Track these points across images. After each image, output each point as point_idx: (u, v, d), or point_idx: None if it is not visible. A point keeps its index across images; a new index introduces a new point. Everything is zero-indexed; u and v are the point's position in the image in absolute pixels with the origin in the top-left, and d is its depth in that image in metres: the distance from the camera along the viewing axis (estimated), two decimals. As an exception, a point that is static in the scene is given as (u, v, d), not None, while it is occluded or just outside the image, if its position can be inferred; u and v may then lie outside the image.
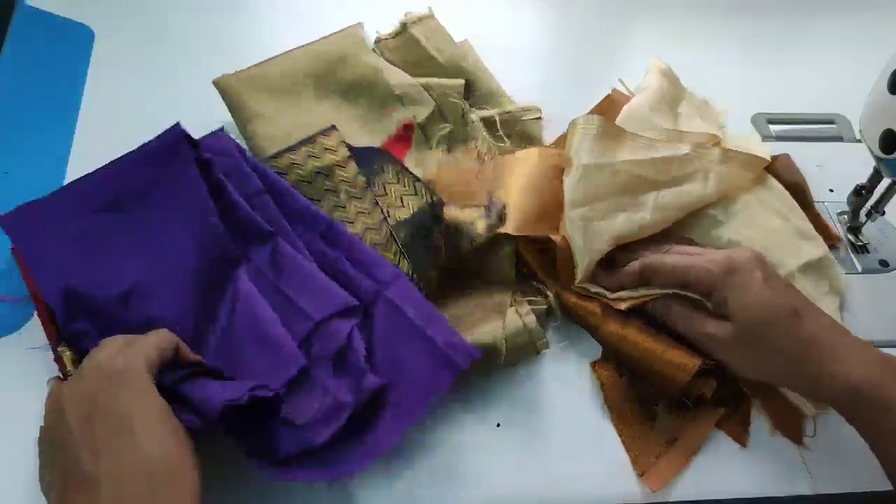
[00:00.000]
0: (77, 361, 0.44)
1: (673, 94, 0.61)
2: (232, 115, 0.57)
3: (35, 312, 0.47)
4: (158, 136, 0.49)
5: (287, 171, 0.52)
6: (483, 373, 0.48)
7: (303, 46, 0.61)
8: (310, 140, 0.53)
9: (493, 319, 0.48)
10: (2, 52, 0.63)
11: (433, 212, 0.47)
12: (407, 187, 0.51)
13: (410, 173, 0.52)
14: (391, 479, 0.44)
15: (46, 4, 0.66)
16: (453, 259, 0.50)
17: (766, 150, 0.57)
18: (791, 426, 0.48)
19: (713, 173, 0.53)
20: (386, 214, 0.50)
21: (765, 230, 0.53)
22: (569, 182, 0.51)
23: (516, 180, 0.52)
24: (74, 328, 0.44)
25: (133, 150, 0.49)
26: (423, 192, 0.50)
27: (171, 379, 0.38)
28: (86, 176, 0.48)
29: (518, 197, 0.51)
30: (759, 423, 0.48)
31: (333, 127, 0.54)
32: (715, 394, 0.47)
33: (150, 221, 0.48)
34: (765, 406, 0.49)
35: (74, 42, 0.65)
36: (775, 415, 0.48)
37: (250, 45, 0.61)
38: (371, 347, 0.45)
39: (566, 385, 0.49)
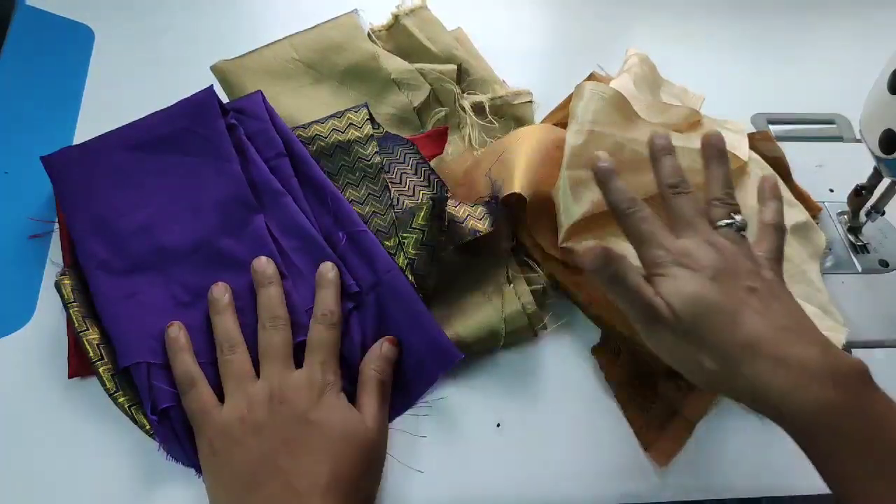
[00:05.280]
0: (76, 291, 0.46)
1: (652, 78, 0.62)
2: (230, 99, 0.57)
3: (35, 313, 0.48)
4: (191, 95, 0.52)
5: (311, 141, 0.53)
6: (482, 355, 0.49)
7: (300, 33, 0.63)
8: (339, 114, 0.55)
9: (492, 302, 0.48)
10: (2, 52, 0.63)
11: (438, 208, 0.47)
12: (422, 178, 0.51)
13: (428, 165, 0.52)
14: (389, 478, 0.44)
15: (46, 4, 0.66)
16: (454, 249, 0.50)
17: (743, 128, 0.60)
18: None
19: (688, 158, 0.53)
20: (394, 202, 0.50)
21: (753, 196, 0.54)
22: (572, 141, 0.51)
23: (521, 149, 0.52)
24: (88, 248, 0.47)
25: (167, 106, 0.52)
26: (436, 186, 0.51)
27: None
28: (123, 126, 0.51)
29: (525, 161, 0.51)
30: (759, 422, 0.48)
31: (365, 105, 0.55)
32: None
33: (176, 164, 0.50)
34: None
35: (74, 42, 0.65)
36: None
37: (250, 45, 0.61)
38: (363, 338, 0.46)
39: (566, 381, 0.49)
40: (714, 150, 0.45)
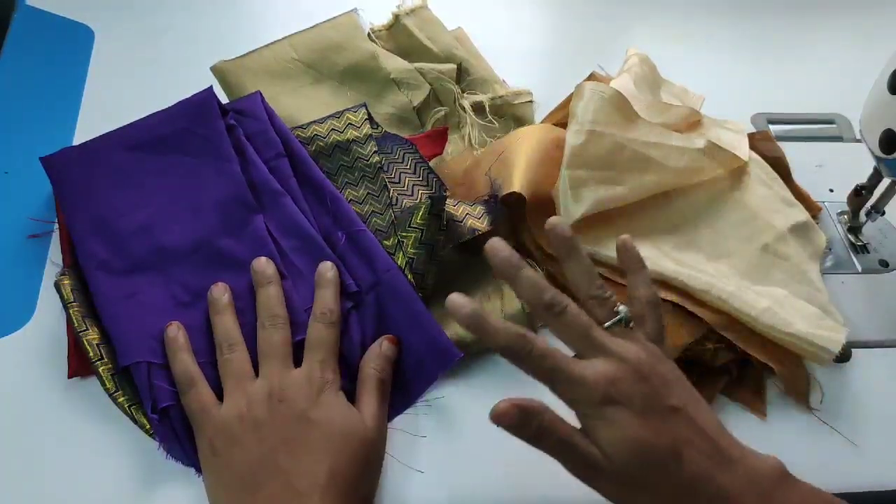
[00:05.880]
0: (76, 291, 0.46)
1: (652, 78, 0.62)
2: (230, 99, 0.57)
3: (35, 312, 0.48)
4: (191, 95, 0.52)
5: (310, 141, 0.53)
6: (482, 355, 0.49)
7: (299, 33, 0.63)
8: (338, 114, 0.55)
9: (492, 302, 0.48)
10: (2, 52, 0.63)
11: (436, 207, 0.48)
12: (420, 178, 0.51)
13: (427, 164, 0.52)
14: (389, 478, 0.44)
15: (46, 4, 0.67)
16: (453, 248, 0.50)
17: (743, 128, 0.60)
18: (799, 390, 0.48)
19: (688, 157, 0.54)
20: (393, 201, 0.50)
21: (753, 195, 0.56)
22: (572, 141, 0.51)
23: (521, 148, 0.53)
24: (88, 248, 0.47)
25: (167, 106, 0.52)
26: (435, 185, 0.51)
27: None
28: (122, 126, 0.51)
29: (525, 161, 0.51)
30: (757, 421, 0.48)
31: (364, 105, 0.55)
32: (716, 360, 0.47)
33: (176, 164, 0.50)
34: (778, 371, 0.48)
35: (74, 42, 0.65)
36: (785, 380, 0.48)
37: (250, 45, 0.61)
38: (362, 337, 0.46)
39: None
40: (564, 242, 0.40)
